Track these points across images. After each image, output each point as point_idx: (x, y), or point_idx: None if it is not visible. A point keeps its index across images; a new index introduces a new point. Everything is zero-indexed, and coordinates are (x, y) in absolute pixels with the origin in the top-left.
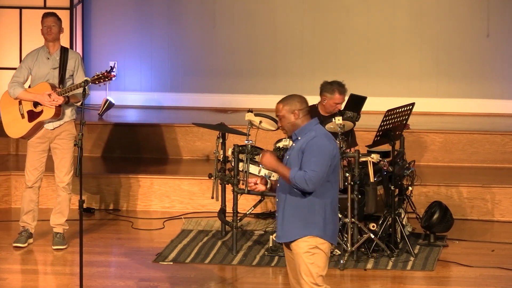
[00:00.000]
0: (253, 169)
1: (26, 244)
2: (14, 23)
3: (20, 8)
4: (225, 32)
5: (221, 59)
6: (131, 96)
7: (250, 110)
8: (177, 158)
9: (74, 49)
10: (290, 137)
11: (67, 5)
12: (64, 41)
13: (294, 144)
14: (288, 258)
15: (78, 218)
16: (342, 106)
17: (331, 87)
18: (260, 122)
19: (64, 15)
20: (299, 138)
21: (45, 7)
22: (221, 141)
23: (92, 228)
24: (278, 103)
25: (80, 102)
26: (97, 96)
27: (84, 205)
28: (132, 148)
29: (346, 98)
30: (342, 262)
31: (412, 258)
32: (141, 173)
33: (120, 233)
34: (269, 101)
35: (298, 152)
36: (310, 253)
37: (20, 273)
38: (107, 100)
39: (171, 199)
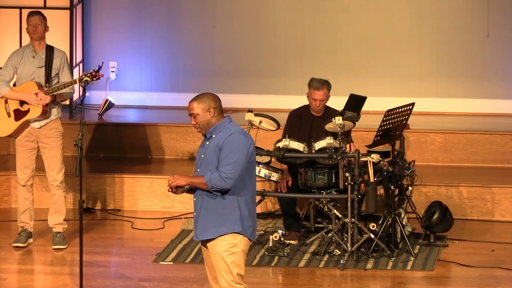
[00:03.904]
0: None
1: (26, 244)
2: (14, 23)
3: (20, 8)
4: (225, 32)
5: (221, 59)
6: (131, 96)
7: (250, 110)
8: (177, 158)
9: (74, 49)
10: (204, 136)
11: (67, 5)
12: (64, 41)
13: (208, 143)
14: (206, 257)
15: (78, 218)
16: (325, 107)
17: (310, 82)
18: (260, 122)
19: (64, 15)
20: (213, 136)
21: (45, 7)
22: None
23: (92, 228)
24: (192, 101)
25: (67, 101)
26: (97, 96)
27: (84, 205)
28: (132, 148)
29: (346, 99)
30: (342, 262)
31: (412, 258)
32: (141, 173)
33: (120, 233)
34: (269, 101)
35: (215, 149)
36: (229, 252)
37: (20, 273)
38: (107, 100)
39: (171, 199)
